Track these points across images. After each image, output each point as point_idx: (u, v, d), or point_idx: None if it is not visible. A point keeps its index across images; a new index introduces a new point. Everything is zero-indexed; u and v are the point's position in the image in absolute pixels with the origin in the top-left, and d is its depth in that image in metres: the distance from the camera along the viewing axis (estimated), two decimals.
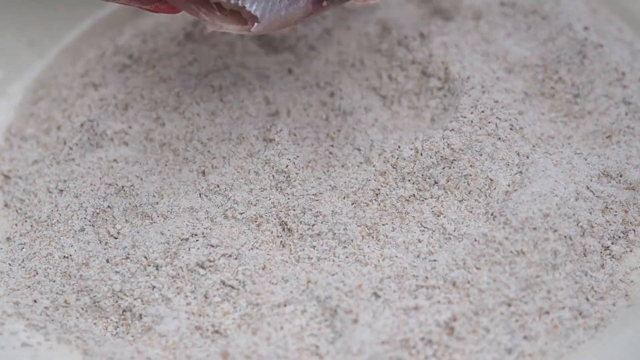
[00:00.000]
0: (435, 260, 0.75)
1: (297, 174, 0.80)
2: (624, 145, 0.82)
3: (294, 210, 0.78)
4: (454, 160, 0.79)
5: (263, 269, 0.76)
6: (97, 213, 0.80)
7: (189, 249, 0.76)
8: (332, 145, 0.83)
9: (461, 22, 0.90)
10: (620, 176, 0.80)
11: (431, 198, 0.78)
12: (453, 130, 0.81)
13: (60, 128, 0.86)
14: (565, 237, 0.75)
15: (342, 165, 0.81)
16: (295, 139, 0.83)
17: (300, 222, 0.78)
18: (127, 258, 0.76)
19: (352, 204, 0.79)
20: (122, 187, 0.81)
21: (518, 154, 0.80)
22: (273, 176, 0.80)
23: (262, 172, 0.81)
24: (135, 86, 0.87)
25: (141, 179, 0.82)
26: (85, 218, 0.79)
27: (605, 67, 0.87)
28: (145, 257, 0.76)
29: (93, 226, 0.79)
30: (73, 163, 0.83)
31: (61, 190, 0.81)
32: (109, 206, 0.80)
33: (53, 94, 0.90)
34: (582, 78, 0.86)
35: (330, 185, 0.80)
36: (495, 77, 0.85)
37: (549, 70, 0.86)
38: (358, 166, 0.81)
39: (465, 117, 0.82)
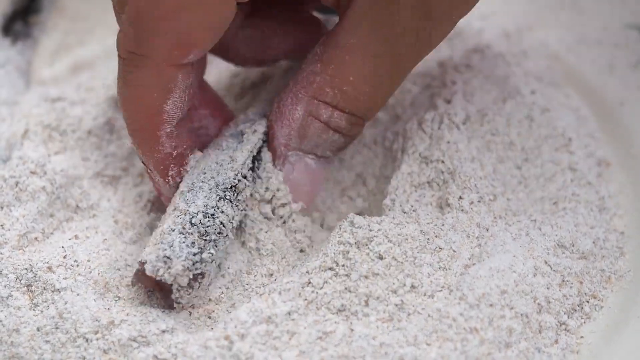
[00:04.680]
0: (381, 335, 0.68)
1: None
2: (570, 212, 0.78)
3: None
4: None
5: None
6: (19, 279, 0.73)
7: (121, 324, 0.69)
8: None
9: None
10: (573, 245, 0.76)
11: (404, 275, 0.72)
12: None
13: None
14: (521, 314, 0.70)
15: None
16: None
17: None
18: (57, 328, 0.70)
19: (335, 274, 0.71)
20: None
21: (478, 225, 0.74)
22: None
23: None
24: None
25: None
26: (8, 285, 0.72)
27: (552, 132, 0.83)
28: (75, 330, 0.70)
29: (19, 291, 0.72)
30: None
31: None
32: (33, 274, 0.73)
33: None
34: (530, 142, 0.82)
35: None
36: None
37: (501, 134, 0.82)
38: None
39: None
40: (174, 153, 0.74)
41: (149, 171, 0.75)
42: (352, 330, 0.68)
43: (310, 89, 0.72)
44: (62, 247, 0.75)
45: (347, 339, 0.68)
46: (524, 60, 0.89)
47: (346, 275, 0.70)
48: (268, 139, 0.75)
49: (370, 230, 0.72)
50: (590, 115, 0.87)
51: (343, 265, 0.71)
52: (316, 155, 0.75)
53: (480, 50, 0.88)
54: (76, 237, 0.77)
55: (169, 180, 0.75)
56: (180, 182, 0.74)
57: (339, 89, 0.72)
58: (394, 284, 0.70)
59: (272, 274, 0.75)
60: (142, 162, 0.75)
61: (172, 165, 0.74)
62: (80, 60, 0.95)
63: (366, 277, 0.70)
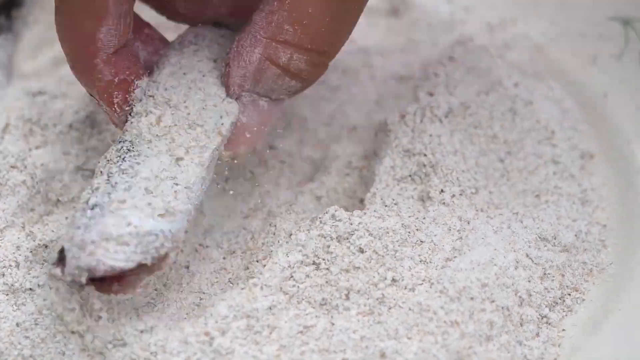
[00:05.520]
0: (361, 329, 0.68)
1: None
2: (552, 205, 0.78)
3: None
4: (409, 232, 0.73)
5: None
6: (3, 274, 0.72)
7: (100, 321, 0.69)
8: None
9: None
10: (555, 238, 0.75)
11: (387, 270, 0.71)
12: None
13: None
14: (502, 307, 0.69)
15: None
16: None
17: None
18: (36, 324, 0.69)
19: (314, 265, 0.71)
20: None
21: (460, 218, 0.74)
22: None
23: None
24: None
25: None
26: None
27: (535, 125, 0.82)
28: (54, 326, 0.69)
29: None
30: None
31: None
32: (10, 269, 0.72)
33: None
34: (513, 135, 0.81)
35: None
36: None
37: (484, 127, 0.81)
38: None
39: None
40: (116, 80, 0.72)
41: (98, 103, 0.74)
42: (332, 324, 0.67)
43: (269, 29, 0.70)
44: (42, 241, 0.75)
45: (328, 333, 0.67)
46: (507, 53, 0.88)
47: (327, 269, 0.69)
48: (224, 73, 0.73)
49: (351, 224, 0.71)
50: (573, 107, 0.86)
51: (324, 259, 0.70)
52: (270, 98, 0.73)
53: (463, 43, 0.87)
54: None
55: (115, 108, 0.73)
56: (128, 109, 0.73)
57: (298, 23, 0.69)
58: (374, 277, 0.69)
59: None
60: (89, 93, 0.74)
61: (115, 92, 0.73)
62: (61, 54, 0.93)
63: (347, 270, 0.69)
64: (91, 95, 0.73)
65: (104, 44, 0.71)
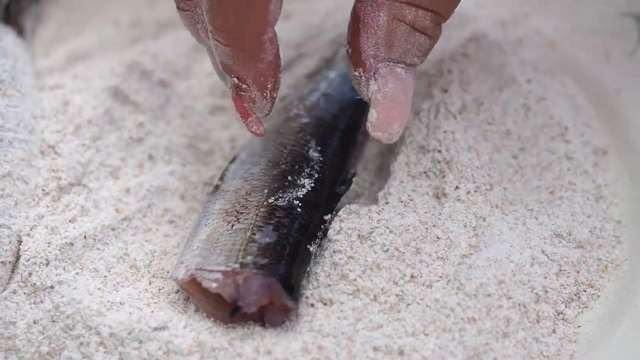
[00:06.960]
0: (382, 327, 0.68)
1: None
2: (566, 202, 0.77)
3: None
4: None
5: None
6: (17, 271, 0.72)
7: (117, 318, 0.68)
8: None
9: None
10: (570, 234, 0.75)
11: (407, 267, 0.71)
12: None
13: None
14: (519, 304, 0.69)
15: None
16: None
17: None
18: (53, 321, 0.69)
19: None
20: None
21: (475, 215, 0.73)
22: None
23: None
24: None
25: None
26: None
27: (548, 121, 0.81)
28: (72, 323, 0.69)
29: (16, 284, 0.72)
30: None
31: None
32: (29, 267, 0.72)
33: None
34: (526, 131, 0.80)
35: None
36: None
37: (498, 123, 0.80)
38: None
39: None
40: (274, 61, 0.66)
41: (238, 91, 0.67)
42: (357, 321, 0.67)
43: None
44: (62, 237, 0.74)
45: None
46: (520, 49, 0.88)
47: (350, 269, 0.69)
48: (351, 54, 0.70)
49: (371, 221, 0.71)
50: (586, 103, 0.85)
51: (351, 257, 0.70)
52: (405, 63, 0.69)
53: (476, 39, 0.86)
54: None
55: (267, 94, 0.67)
56: (276, 96, 0.68)
57: None
58: (396, 274, 0.69)
59: None
60: (236, 77, 0.66)
61: (270, 76, 0.66)
62: (76, 50, 0.93)
63: (370, 269, 0.69)
64: (238, 79, 0.66)
65: (273, 16, 0.63)
